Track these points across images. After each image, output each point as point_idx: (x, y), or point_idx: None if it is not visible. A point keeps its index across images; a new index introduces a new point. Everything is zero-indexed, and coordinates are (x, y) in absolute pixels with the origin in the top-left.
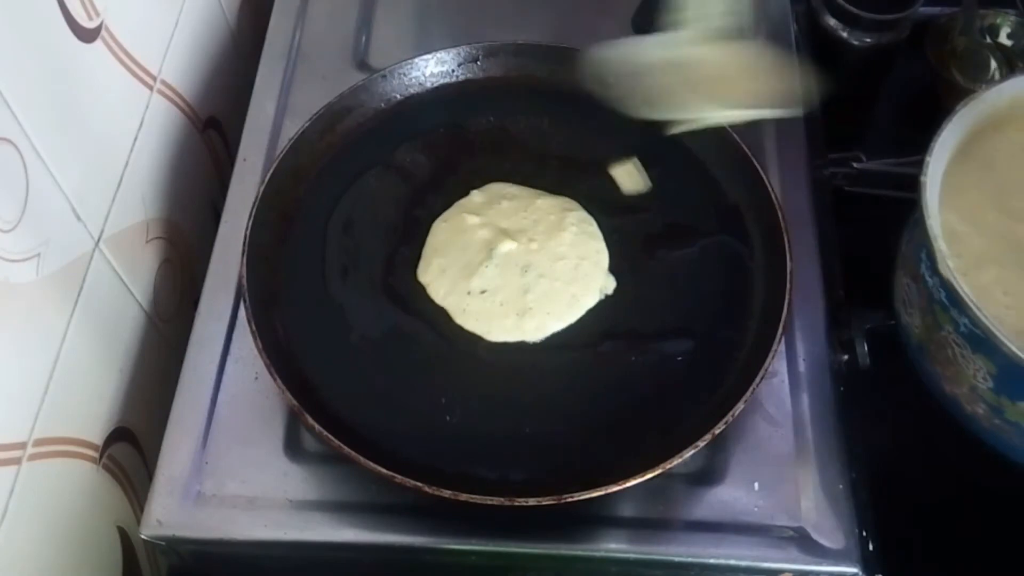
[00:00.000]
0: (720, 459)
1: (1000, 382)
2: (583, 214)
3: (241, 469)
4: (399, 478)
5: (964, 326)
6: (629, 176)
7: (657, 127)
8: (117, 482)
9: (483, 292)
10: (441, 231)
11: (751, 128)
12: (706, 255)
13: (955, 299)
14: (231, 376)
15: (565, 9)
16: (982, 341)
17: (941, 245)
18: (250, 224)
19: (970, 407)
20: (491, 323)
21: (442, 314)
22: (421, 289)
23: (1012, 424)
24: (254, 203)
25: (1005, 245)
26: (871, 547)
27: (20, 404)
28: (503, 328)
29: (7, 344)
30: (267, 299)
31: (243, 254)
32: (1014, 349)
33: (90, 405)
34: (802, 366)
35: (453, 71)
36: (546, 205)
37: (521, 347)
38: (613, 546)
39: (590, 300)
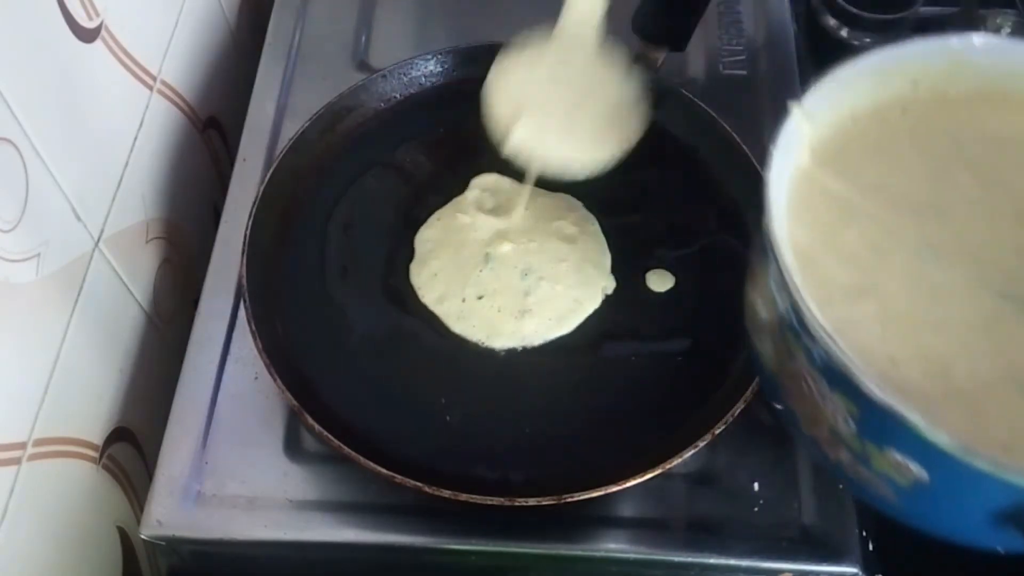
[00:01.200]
0: (720, 459)
1: (864, 426)
2: (585, 213)
3: (241, 469)
4: (399, 478)
5: (819, 357)
6: (660, 279)
7: (657, 127)
8: (117, 482)
9: (480, 298)
10: (433, 230)
11: (751, 128)
12: (706, 255)
13: (804, 324)
14: (231, 376)
15: None
16: (840, 376)
17: (786, 257)
18: (250, 224)
19: (833, 453)
20: (489, 329)
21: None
22: None
23: (880, 475)
24: (254, 203)
25: (872, 274)
26: (871, 547)
27: (20, 404)
28: (502, 334)
29: (7, 344)
30: (267, 299)
31: (243, 254)
32: (875, 389)
33: (90, 405)
34: None
35: (453, 71)
36: (548, 203)
37: (521, 349)
38: (613, 546)
39: (593, 304)
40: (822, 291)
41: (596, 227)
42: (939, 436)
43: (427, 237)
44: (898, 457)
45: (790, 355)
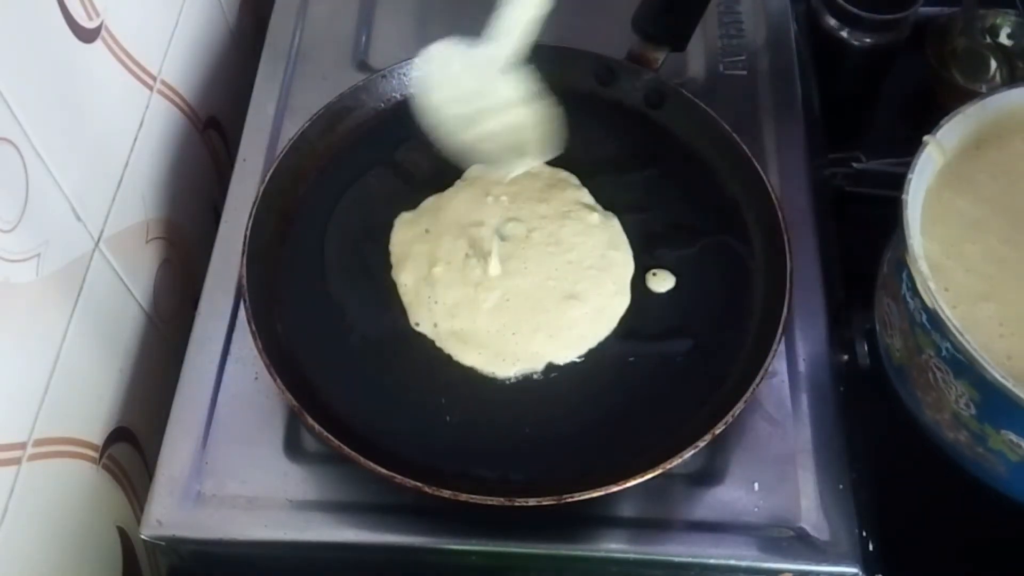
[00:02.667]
0: (720, 459)
1: (983, 410)
2: (606, 212)
3: (241, 469)
4: (399, 478)
5: (946, 350)
6: (660, 280)
7: (657, 127)
8: (117, 482)
9: (460, 330)
10: (402, 231)
11: (751, 128)
12: (706, 255)
13: (936, 322)
14: (231, 376)
15: (565, 9)
16: (965, 366)
17: (922, 266)
18: (250, 224)
19: (952, 434)
20: (489, 359)
21: None
22: None
23: (995, 453)
24: (254, 203)
25: (992, 280)
26: (871, 547)
27: (20, 404)
28: (497, 367)
29: (7, 344)
30: (267, 299)
31: (243, 254)
32: (998, 376)
33: (90, 405)
34: (802, 366)
35: None
36: (562, 199)
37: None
38: (613, 546)
39: (606, 331)
40: (949, 295)
41: (621, 233)
42: None
43: (397, 239)
44: (1012, 437)
45: (919, 349)
